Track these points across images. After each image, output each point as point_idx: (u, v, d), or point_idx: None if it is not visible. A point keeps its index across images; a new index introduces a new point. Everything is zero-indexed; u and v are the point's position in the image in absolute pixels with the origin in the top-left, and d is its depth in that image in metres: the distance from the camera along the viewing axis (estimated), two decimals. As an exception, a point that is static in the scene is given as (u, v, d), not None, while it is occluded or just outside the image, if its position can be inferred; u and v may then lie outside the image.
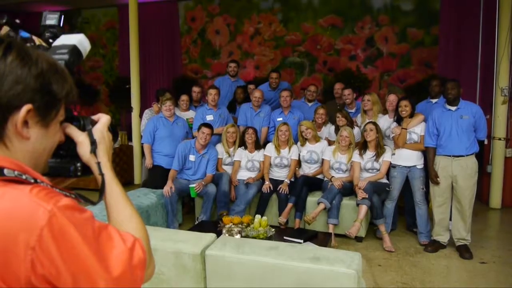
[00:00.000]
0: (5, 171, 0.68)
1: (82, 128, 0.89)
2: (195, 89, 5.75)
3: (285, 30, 8.79)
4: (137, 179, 6.91)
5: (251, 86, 5.95)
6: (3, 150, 0.72)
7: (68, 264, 0.63)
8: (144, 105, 7.69)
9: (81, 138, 0.87)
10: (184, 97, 5.43)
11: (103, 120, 0.94)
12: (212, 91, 5.04)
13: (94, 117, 0.95)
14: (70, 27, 10.58)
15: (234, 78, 6.20)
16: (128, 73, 9.27)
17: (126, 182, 7.00)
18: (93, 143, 0.87)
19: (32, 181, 0.69)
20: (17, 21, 1.32)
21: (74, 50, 0.96)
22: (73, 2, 9.45)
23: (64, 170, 0.89)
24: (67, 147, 0.88)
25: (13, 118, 0.70)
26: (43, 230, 0.63)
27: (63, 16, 1.42)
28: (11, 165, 0.70)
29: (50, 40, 1.36)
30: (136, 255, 0.73)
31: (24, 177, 0.69)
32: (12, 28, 1.37)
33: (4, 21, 1.33)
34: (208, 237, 2.02)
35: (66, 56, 0.92)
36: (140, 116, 6.65)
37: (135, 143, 6.82)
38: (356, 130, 4.69)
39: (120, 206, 0.87)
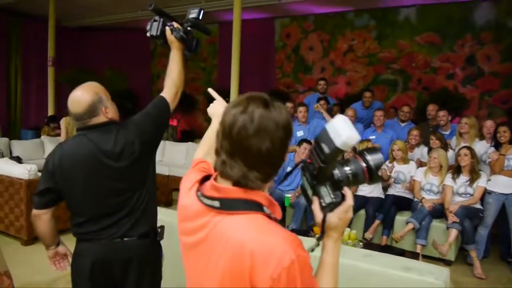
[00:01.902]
0: (264, 208, 0.95)
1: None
2: (288, 104, 6.11)
3: (379, 47, 8.83)
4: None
5: (335, 108, 6.16)
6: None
7: None
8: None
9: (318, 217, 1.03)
10: (289, 104, 5.83)
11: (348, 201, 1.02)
12: (302, 109, 5.36)
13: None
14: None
15: (323, 95, 6.46)
16: (225, 86, 9.99)
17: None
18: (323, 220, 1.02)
19: (273, 217, 0.95)
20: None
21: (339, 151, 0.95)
22: (179, 18, 10.41)
23: None
24: None
25: None
26: (282, 271, 0.84)
27: (202, 11, 1.88)
28: (266, 201, 0.96)
29: (189, 28, 1.83)
30: None
31: (272, 217, 0.95)
32: (158, 14, 1.86)
33: (151, 8, 1.83)
34: (310, 242, 2.32)
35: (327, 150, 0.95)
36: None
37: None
38: (450, 153, 4.66)
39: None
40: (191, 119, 11.40)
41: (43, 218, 1.82)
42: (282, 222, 5.09)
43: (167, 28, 1.86)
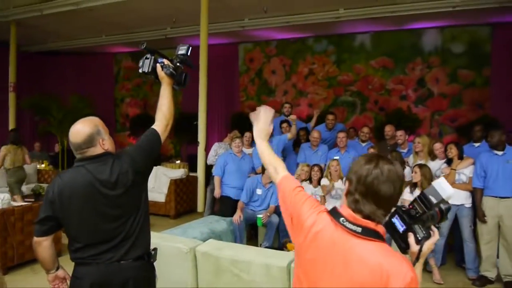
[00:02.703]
0: (385, 238, 1.29)
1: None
2: None
3: (338, 70, 9.37)
4: (200, 207, 7.50)
5: (302, 132, 6.55)
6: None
7: None
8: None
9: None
10: (247, 134, 6.07)
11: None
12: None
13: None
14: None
15: (286, 118, 6.78)
16: (190, 109, 10.16)
17: (190, 209, 7.66)
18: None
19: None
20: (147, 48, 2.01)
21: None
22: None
23: None
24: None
25: None
26: (407, 285, 1.19)
27: (190, 48, 2.11)
28: (384, 233, 1.30)
29: (178, 64, 2.05)
30: None
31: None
32: (149, 53, 2.08)
33: (143, 47, 2.05)
34: (290, 255, 2.57)
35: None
36: (205, 149, 7.31)
37: (199, 174, 7.40)
38: (407, 170, 5.06)
39: None
40: (157, 143, 11.45)
41: (43, 245, 1.94)
42: (255, 240, 5.26)
43: (158, 65, 2.07)
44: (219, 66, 9.98)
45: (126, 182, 1.87)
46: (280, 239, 4.93)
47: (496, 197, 4.20)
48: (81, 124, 1.91)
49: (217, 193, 5.51)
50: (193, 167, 8.35)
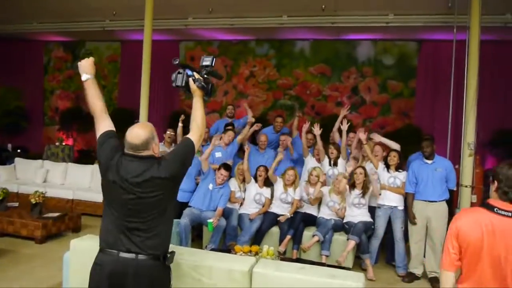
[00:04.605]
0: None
1: None
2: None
3: (278, 74, 9.64)
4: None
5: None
6: None
7: None
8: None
9: None
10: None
11: None
12: (231, 133, 5.69)
13: None
14: (73, 58, 11.17)
15: (231, 120, 6.87)
16: (127, 105, 9.88)
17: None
18: None
19: None
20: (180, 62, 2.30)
21: None
22: (78, 34, 10.06)
23: None
24: None
25: None
26: None
27: (215, 59, 2.23)
28: None
29: (205, 76, 2.15)
30: None
31: None
32: (181, 67, 2.17)
33: (176, 62, 2.14)
34: (250, 259, 2.67)
35: None
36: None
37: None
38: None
39: None
40: (89, 138, 10.94)
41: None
42: (198, 241, 5.28)
43: (190, 79, 2.24)
44: (158, 63, 9.74)
45: (161, 183, 2.01)
46: (226, 242, 5.01)
47: (425, 201, 4.65)
48: (140, 128, 2.09)
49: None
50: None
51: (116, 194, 2.00)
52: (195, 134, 2.20)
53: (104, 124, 2.17)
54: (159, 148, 2.16)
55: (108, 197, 2.07)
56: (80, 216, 6.07)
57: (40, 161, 8.03)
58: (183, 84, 2.24)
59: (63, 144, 10.40)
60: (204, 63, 2.29)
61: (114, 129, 2.18)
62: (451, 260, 1.90)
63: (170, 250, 2.14)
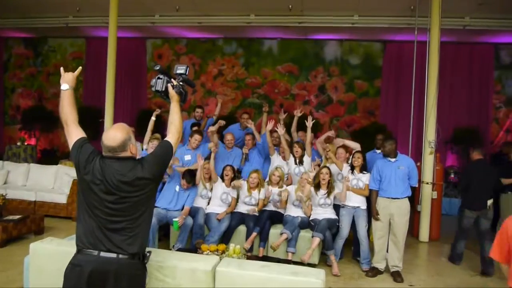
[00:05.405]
0: None
1: None
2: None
3: (246, 73, 9.69)
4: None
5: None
6: None
7: None
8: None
9: None
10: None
11: None
12: (197, 137, 5.58)
13: None
14: (35, 55, 10.82)
15: (198, 121, 6.79)
16: (92, 103, 9.67)
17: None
18: None
19: None
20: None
21: None
22: (40, 30, 9.76)
23: None
24: None
25: None
26: None
27: (188, 68, 2.29)
28: None
29: (181, 83, 2.35)
30: None
31: None
32: (161, 73, 2.23)
33: (157, 68, 2.18)
34: (214, 258, 2.68)
35: None
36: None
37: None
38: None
39: None
40: (52, 138, 10.65)
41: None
42: (164, 241, 5.23)
43: (169, 85, 2.33)
44: (125, 61, 9.61)
45: (140, 184, 2.07)
46: (192, 241, 4.99)
47: (389, 198, 4.79)
48: (116, 130, 2.13)
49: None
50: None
51: (96, 195, 2.03)
52: (173, 137, 2.27)
53: (77, 132, 2.20)
54: (137, 148, 2.20)
55: (87, 198, 2.07)
56: (42, 218, 5.89)
57: (0, 162, 7.74)
58: (163, 89, 2.33)
59: (25, 144, 10.08)
60: (179, 71, 2.38)
61: (86, 136, 2.21)
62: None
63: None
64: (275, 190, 5.32)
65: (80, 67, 2.42)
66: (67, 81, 2.26)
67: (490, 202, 5.18)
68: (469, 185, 5.14)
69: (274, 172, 5.37)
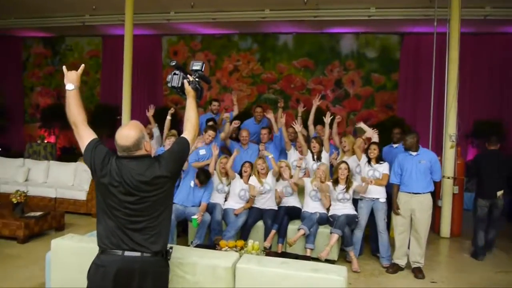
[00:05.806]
0: None
1: None
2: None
3: (262, 68, 9.63)
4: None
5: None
6: None
7: None
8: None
9: None
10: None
11: None
12: (211, 133, 5.57)
13: None
14: (53, 54, 10.96)
15: (214, 115, 6.78)
16: (109, 101, 9.75)
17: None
18: None
19: None
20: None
21: None
22: (57, 29, 9.88)
23: None
24: None
25: None
26: None
27: (204, 64, 2.28)
28: None
29: (197, 79, 2.35)
30: None
31: None
32: (177, 69, 2.23)
33: (173, 64, 2.17)
34: (233, 255, 2.67)
35: None
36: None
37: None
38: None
39: None
40: (71, 135, 10.73)
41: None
42: (185, 238, 5.26)
43: (185, 81, 2.30)
44: (141, 58, 9.65)
45: (159, 182, 2.05)
46: (211, 237, 5.00)
47: (410, 192, 4.70)
48: (129, 129, 2.10)
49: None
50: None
51: (115, 197, 2.01)
52: (190, 134, 2.25)
53: (88, 133, 2.16)
54: (151, 145, 2.18)
55: (106, 200, 2.05)
56: (63, 214, 5.98)
57: (21, 159, 7.88)
58: (179, 85, 2.31)
59: (45, 141, 10.24)
60: (194, 68, 2.35)
61: (97, 137, 2.19)
62: None
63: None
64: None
65: (83, 65, 2.36)
66: (71, 81, 2.21)
67: (500, 193, 5.16)
68: (478, 174, 5.27)
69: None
